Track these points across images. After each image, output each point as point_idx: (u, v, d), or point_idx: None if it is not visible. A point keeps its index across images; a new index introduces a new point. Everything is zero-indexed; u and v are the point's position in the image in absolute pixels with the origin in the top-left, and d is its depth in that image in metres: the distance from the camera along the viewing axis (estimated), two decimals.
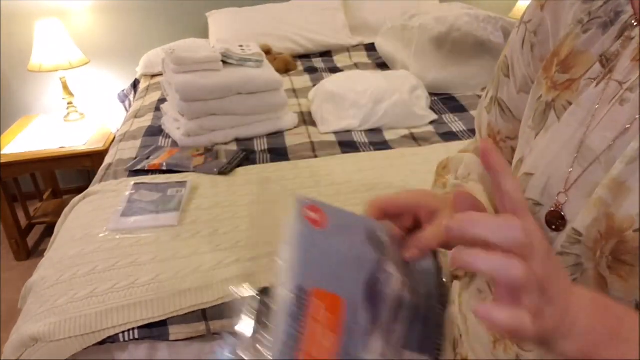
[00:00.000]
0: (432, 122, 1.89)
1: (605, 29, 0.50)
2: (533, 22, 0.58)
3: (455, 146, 1.68)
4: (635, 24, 0.47)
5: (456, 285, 0.77)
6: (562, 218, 0.50)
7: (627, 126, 0.46)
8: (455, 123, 1.87)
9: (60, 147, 2.32)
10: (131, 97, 2.66)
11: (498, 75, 0.64)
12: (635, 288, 0.44)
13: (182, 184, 1.50)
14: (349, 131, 1.84)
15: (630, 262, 0.44)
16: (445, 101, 2.08)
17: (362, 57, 2.63)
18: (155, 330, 1.11)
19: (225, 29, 2.62)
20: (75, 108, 2.60)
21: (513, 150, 0.64)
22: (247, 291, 0.45)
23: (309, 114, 2.00)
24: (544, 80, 0.55)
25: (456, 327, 0.74)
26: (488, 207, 0.58)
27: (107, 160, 1.81)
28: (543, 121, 0.54)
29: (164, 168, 1.63)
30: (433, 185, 0.72)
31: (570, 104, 0.51)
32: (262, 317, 0.44)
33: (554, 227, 0.51)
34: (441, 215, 0.51)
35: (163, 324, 1.11)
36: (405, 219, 0.53)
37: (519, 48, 0.60)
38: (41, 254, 2.46)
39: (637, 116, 0.45)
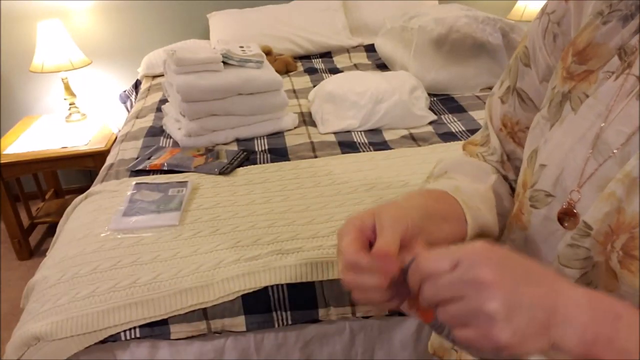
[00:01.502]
0: (431, 123, 1.90)
1: (625, 22, 0.49)
2: (557, 13, 0.58)
3: (454, 146, 1.69)
4: None
5: None
6: (575, 215, 0.50)
7: None
8: (454, 123, 1.88)
9: (62, 148, 2.33)
10: (133, 97, 2.67)
11: (516, 65, 0.64)
12: None
13: (183, 183, 1.51)
14: (348, 131, 1.85)
15: None
16: (444, 102, 2.09)
17: (361, 57, 2.64)
18: (156, 329, 1.12)
19: (226, 30, 2.63)
20: (77, 108, 2.61)
21: None
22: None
23: (309, 114, 2.01)
24: (560, 70, 0.55)
25: None
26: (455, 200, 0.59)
27: (109, 160, 1.82)
28: (558, 112, 0.54)
29: (165, 168, 1.64)
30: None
31: (587, 95, 0.51)
32: None
33: (565, 224, 0.51)
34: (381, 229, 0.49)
35: (164, 322, 1.12)
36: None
37: (540, 38, 0.59)
38: (43, 254, 2.47)
39: None
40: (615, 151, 0.47)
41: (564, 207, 0.51)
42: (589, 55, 0.52)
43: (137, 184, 1.53)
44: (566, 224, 0.51)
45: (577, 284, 0.48)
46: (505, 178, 0.68)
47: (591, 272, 0.49)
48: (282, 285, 1.16)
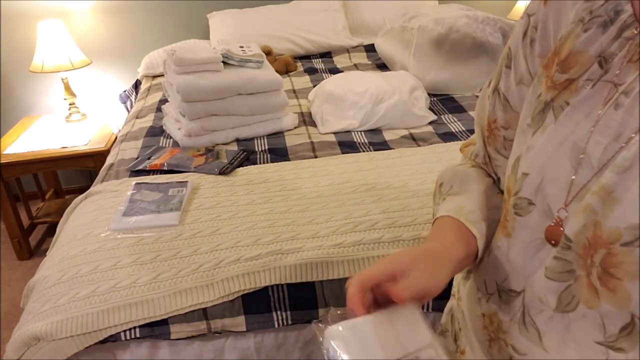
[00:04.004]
0: (431, 123, 1.90)
1: (605, 28, 0.49)
2: (535, 17, 0.57)
3: (454, 146, 1.69)
4: (636, 26, 0.47)
5: (456, 279, 0.78)
6: (562, 234, 0.49)
7: (620, 132, 0.45)
8: (454, 123, 1.88)
9: (62, 148, 2.33)
10: (133, 97, 2.68)
11: (501, 66, 0.64)
12: (625, 300, 0.44)
13: (183, 183, 1.51)
14: (348, 131, 1.85)
15: (618, 276, 0.44)
16: (444, 102, 2.09)
17: (361, 57, 2.64)
18: (156, 329, 1.12)
19: (226, 30, 2.63)
20: (77, 108, 2.61)
21: (505, 139, 0.64)
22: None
23: (309, 114, 2.01)
24: (544, 79, 0.54)
25: (456, 320, 0.75)
26: (474, 208, 0.61)
27: (109, 160, 1.82)
28: (541, 120, 0.54)
29: (165, 168, 1.64)
30: (434, 202, 0.74)
31: (568, 104, 0.50)
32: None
33: (553, 242, 0.51)
34: (409, 274, 0.54)
35: (164, 322, 1.12)
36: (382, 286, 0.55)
37: (520, 39, 0.59)
38: (43, 254, 2.48)
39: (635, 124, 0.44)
40: (595, 163, 0.47)
41: (552, 225, 0.51)
42: (570, 63, 0.51)
43: (137, 184, 1.53)
44: (553, 242, 0.51)
45: (561, 297, 0.50)
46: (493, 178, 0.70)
47: (574, 286, 0.49)
48: (282, 285, 1.16)
